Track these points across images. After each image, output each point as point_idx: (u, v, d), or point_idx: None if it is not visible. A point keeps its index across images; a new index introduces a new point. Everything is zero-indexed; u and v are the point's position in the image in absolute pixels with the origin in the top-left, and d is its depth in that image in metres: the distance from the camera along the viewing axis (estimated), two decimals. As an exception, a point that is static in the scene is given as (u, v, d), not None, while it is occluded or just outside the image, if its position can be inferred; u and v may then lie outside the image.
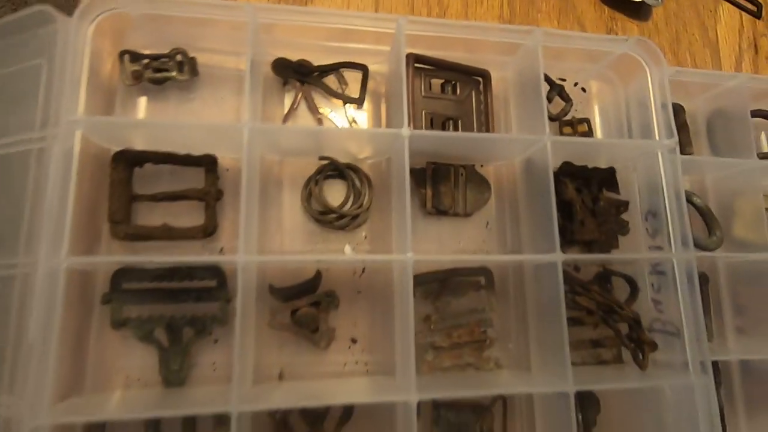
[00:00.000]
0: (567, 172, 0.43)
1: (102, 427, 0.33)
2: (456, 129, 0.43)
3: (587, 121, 0.47)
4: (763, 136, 0.56)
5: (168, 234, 0.37)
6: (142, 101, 0.40)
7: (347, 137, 0.38)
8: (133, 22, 0.37)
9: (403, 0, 0.50)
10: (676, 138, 0.40)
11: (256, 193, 0.38)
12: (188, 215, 0.38)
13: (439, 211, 0.42)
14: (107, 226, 0.36)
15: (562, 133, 0.46)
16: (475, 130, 0.43)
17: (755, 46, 0.66)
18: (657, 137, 0.41)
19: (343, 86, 0.44)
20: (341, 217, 0.40)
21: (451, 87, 0.44)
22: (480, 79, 0.45)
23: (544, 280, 0.38)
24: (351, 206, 0.41)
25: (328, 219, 0.40)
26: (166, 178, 0.39)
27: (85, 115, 0.33)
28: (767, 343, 0.45)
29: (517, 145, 0.41)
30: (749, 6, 0.66)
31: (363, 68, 0.44)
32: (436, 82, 0.44)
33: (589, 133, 0.47)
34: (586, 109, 0.48)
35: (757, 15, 0.66)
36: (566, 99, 0.47)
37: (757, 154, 0.45)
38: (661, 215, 0.41)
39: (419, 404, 0.31)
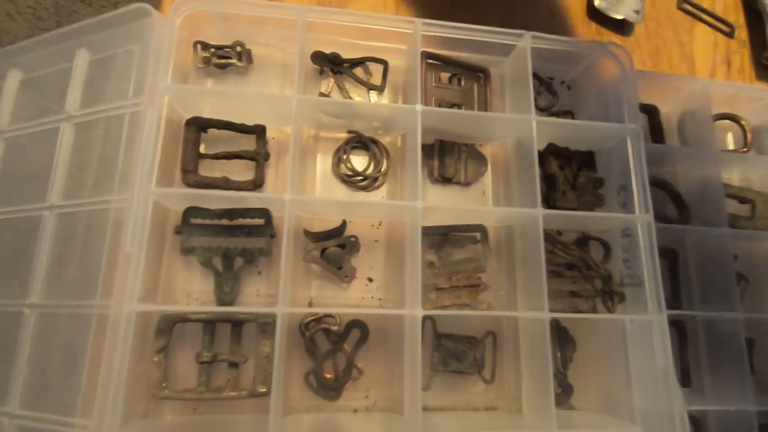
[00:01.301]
0: (551, 151, 0.52)
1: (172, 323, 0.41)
2: (460, 113, 0.52)
3: (571, 112, 0.56)
4: (729, 135, 0.64)
5: (226, 184, 0.46)
6: (209, 81, 0.50)
7: (372, 109, 0.47)
8: (206, 18, 0.47)
9: (418, 3, 0.60)
10: (640, 123, 0.49)
11: (299, 154, 0.48)
12: (241, 172, 0.47)
13: (444, 179, 0.51)
14: (179, 175, 0.45)
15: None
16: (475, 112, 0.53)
17: (728, 62, 0.75)
18: (626, 120, 0.50)
19: (368, 76, 0.53)
20: (364, 179, 0.49)
21: (457, 80, 0.53)
22: (481, 74, 0.54)
23: (528, 234, 0.46)
24: (372, 171, 0.49)
25: (353, 180, 0.49)
26: (224, 142, 0.48)
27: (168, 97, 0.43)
28: (725, 307, 0.52)
29: (510, 123, 0.50)
30: (723, 27, 0.75)
31: (384, 62, 0.53)
32: (445, 75, 0.53)
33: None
34: (571, 103, 0.57)
35: (730, 35, 0.75)
36: (554, 93, 0.56)
37: (721, 150, 0.54)
38: (629, 188, 0.49)
39: (423, 328, 0.39)
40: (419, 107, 0.44)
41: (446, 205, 0.51)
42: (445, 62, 0.53)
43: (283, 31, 0.49)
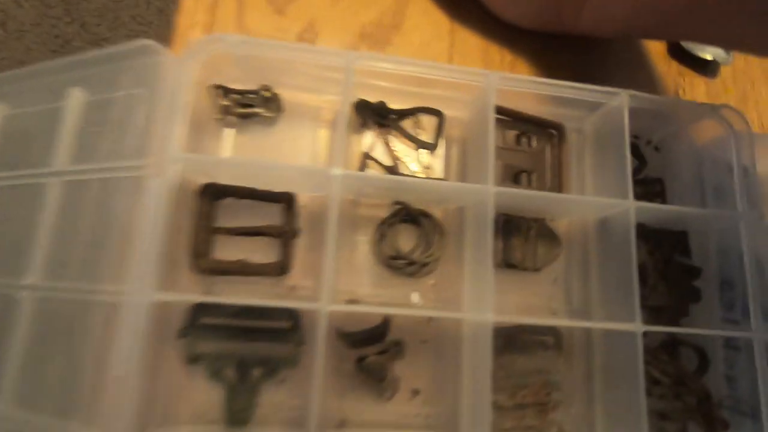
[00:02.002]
0: (640, 234, 0.43)
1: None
2: (529, 182, 0.43)
3: (660, 181, 0.46)
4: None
5: (244, 269, 0.37)
6: (229, 134, 0.41)
7: (430, 189, 0.38)
8: (229, 59, 0.38)
9: (476, 46, 0.51)
10: (761, 210, 0.39)
11: (335, 236, 0.39)
12: (264, 250, 0.39)
13: (508, 265, 0.41)
14: (186, 257, 0.36)
15: (634, 193, 0.45)
16: (547, 184, 0.43)
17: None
18: (738, 206, 0.40)
19: (419, 130, 0.44)
20: (411, 263, 0.40)
21: (527, 139, 0.44)
22: (554, 132, 0.45)
23: (617, 348, 0.37)
24: (421, 253, 0.40)
25: (397, 264, 0.40)
26: (245, 212, 0.39)
27: (185, 152, 0.34)
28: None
29: (596, 206, 0.40)
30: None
31: (438, 114, 0.44)
32: (511, 134, 0.44)
33: (662, 194, 0.46)
34: (659, 168, 0.47)
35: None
36: (640, 158, 0.47)
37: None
38: (737, 287, 0.40)
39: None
40: (493, 188, 0.35)
41: (508, 294, 0.42)
42: (514, 117, 0.43)
43: (319, 72, 0.40)
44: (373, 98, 0.43)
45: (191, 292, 0.37)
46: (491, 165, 0.35)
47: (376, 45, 0.48)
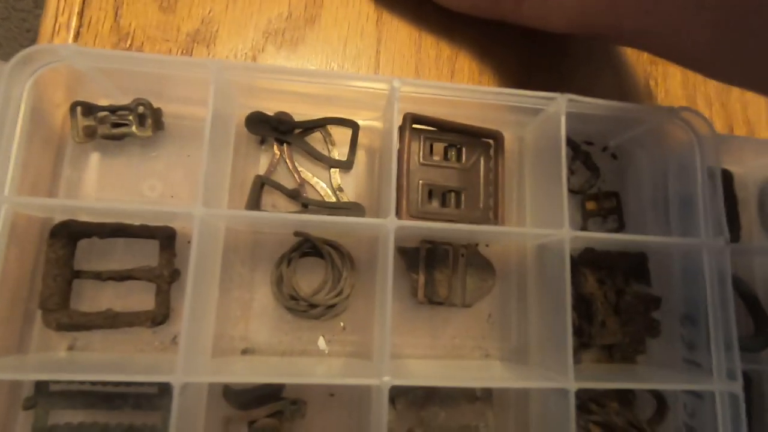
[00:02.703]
0: (588, 260, 0.37)
1: None
2: (458, 202, 0.37)
3: (616, 195, 0.40)
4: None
5: (112, 322, 0.31)
6: (95, 158, 0.35)
7: (326, 225, 0.32)
8: (100, 72, 0.32)
9: (407, 39, 0.44)
10: (727, 235, 0.33)
11: (216, 274, 0.33)
12: (140, 294, 0.33)
13: (433, 301, 0.36)
14: (32, 309, 0.31)
15: (585, 209, 0.39)
16: (481, 202, 0.37)
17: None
18: (701, 230, 0.34)
19: (330, 146, 0.38)
20: (313, 306, 0.34)
21: (456, 152, 0.38)
22: (490, 141, 0.38)
23: (552, 401, 0.31)
24: (329, 293, 0.35)
25: (299, 307, 0.34)
26: (118, 250, 0.34)
27: (15, 191, 0.28)
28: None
29: (529, 236, 0.34)
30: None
31: (353, 125, 0.38)
32: (439, 146, 0.38)
33: (618, 210, 0.40)
34: (616, 179, 0.41)
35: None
36: (592, 168, 0.40)
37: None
38: (700, 325, 0.34)
39: None
40: (393, 221, 0.29)
41: (435, 334, 0.36)
42: (439, 127, 0.37)
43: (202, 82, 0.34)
44: (273, 108, 0.37)
45: (49, 349, 0.31)
46: (392, 194, 0.29)
47: (286, 43, 0.41)
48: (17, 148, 0.29)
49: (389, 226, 0.29)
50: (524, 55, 0.45)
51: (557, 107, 0.33)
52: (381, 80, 0.32)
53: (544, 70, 0.46)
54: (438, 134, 0.37)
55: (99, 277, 0.32)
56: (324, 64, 0.41)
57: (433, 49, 0.44)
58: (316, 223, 0.31)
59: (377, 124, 0.38)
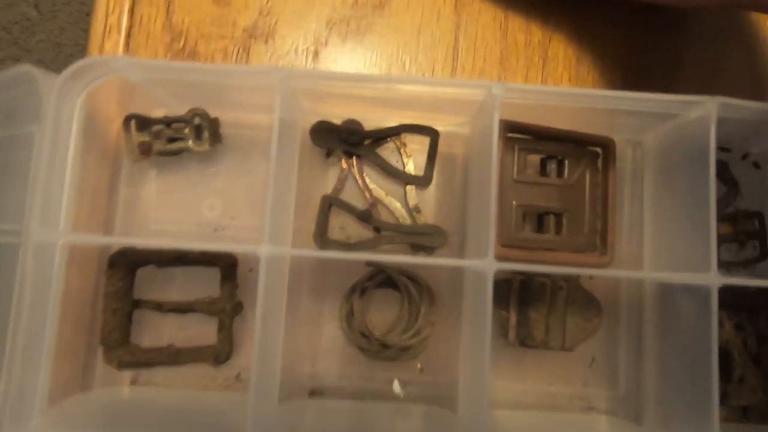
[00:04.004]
0: (725, 303, 0.30)
1: None
2: (558, 226, 0.31)
3: (759, 216, 0.32)
4: None
5: (174, 358, 0.29)
6: (152, 176, 0.32)
7: (400, 262, 0.27)
8: (148, 82, 0.29)
9: (491, 24, 0.37)
10: None
11: (282, 308, 0.30)
12: (203, 324, 0.30)
13: (525, 343, 0.30)
14: (92, 345, 0.29)
15: (718, 233, 0.32)
16: (585, 226, 0.31)
17: None
18: None
19: (405, 157, 0.33)
20: (386, 346, 0.30)
21: (556, 164, 0.31)
22: (598, 150, 0.32)
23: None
24: (405, 332, 0.30)
25: (371, 347, 0.30)
26: (178, 277, 0.31)
27: (70, 224, 0.26)
28: None
29: (658, 276, 0.28)
30: None
31: (432, 133, 0.32)
32: (534, 159, 0.31)
33: (761, 234, 0.32)
34: (758, 195, 0.33)
35: None
36: (729, 182, 0.32)
37: None
38: None
39: None
40: (491, 263, 0.24)
41: (527, 379, 0.31)
42: (536, 135, 0.31)
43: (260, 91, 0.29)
44: (341, 115, 0.32)
45: (112, 384, 0.30)
46: (492, 232, 0.24)
47: (352, 34, 0.36)
48: (71, 173, 0.27)
49: (487, 271, 0.24)
50: (632, 37, 0.37)
51: (704, 112, 0.26)
52: (477, 86, 0.26)
53: (655, 52, 0.37)
54: (534, 143, 0.31)
55: (160, 308, 0.30)
56: (395, 55, 0.36)
57: (522, 32, 0.37)
58: (394, 261, 0.26)
59: (458, 129, 0.33)
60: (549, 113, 0.30)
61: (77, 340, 0.29)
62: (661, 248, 0.30)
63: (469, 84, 0.27)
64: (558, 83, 0.37)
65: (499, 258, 0.24)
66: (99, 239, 0.26)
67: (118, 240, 0.28)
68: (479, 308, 0.25)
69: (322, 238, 0.29)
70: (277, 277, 0.28)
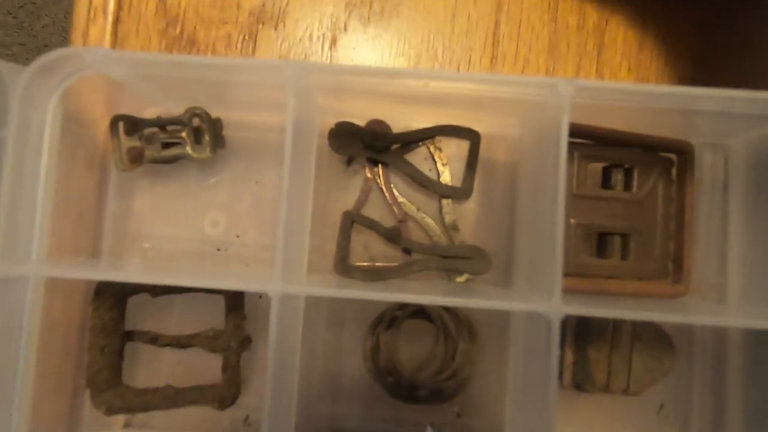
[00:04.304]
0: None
1: None
2: (625, 249, 0.26)
3: None
4: None
5: (172, 401, 0.25)
6: (145, 186, 0.28)
7: (446, 302, 0.22)
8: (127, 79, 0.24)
9: (538, 5, 0.31)
10: None
11: (297, 343, 0.25)
12: (205, 358, 0.26)
13: (581, 386, 0.26)
14: (75, 388, 0.25)
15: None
16: (656, 248, 0.26)
17: None
18: None
19: (441, 166, 0.28)
20: (416, 387, 0.25)
21: (623, 175, 0.26)
22: (672, 157, 0.26)
23: None
24: (440, 372, 0.26)
25: (400, 389, 0.26)
26: (176, 305, 0.27)
27: (45, 250, 0.21)
28: None
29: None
30: None
31: (472, 136, 0.27)
32: (595, 168, 0.26)
33: None
34: None
35: None
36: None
37: None
38: None
39: None
40: (558, 307, 0.19)
41: (585, 427, 0.27)
42: (600, 140, 0.26)
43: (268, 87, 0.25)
44: (359, 114, 0.27)
45: (103, 428, 0.26)
46: (558, 274, 0.19)
47: (375, 17, 0.31)
48: (45, 185, 0.22)
49: (554, 317, 0.19)
50: (703, 19, 0.31)
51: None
52: (539, 85, 0.21)
53: (730, 34, 0.32)
54: (596, 149, 0.26)
55: (155, 342, 0.26)
56: (425, 42, 0.31)
57: (573, 14, 0.32)
58: (432, 301, 0.22)
59: (504, 131, 0.28)
60: (608, 113, 0.25)
61: (63, 378, 0.25)
62: (751, 278, 0.25)
63: (529, 82, 0.21)
64: (616, 75, 0.32)
65: (565, 290, 0.19)
66: (78, 272, 0.22)
67: (99, 274, 0.23)
68: (540, 355, 0.20)
69: (343, 265, 0.25)
70: (290, 312, 0.23)
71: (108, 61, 0.21)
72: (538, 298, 0.20)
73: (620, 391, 0.26)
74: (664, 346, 0.26)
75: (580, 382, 0.26)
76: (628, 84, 0.21)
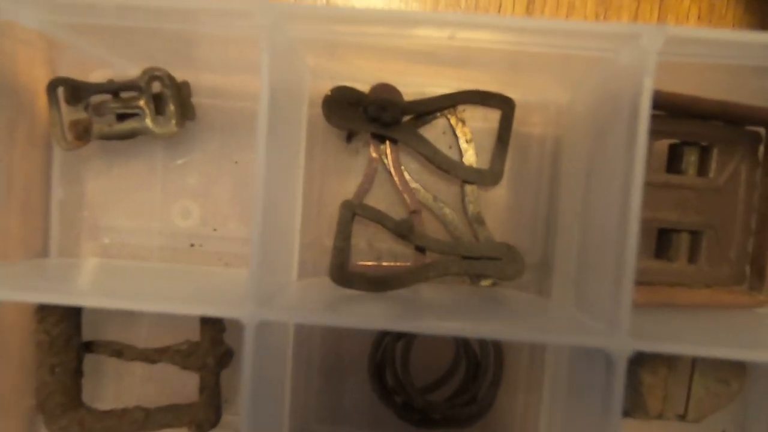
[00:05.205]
0: None
1: None
2: (693, 251, 0.21)
3: None
4: None
5: (141, 425, 0.21)
6: (97, 168, 0.22)
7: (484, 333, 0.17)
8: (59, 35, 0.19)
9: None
10: None
11: (287, 363, 0.21)
12: (181, 374, 0.22)
13: (630, 413, 0.22)
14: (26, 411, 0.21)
15: None
16: (733, 249, 0.21)
17: None
18: None
19: (464, 143, 0.22)
20: (429, 410, 0.21)
21: (697, 155, 0.21)
22: (761, 131, 0.21)
23: None
24: (458, 395, 0.22)
25: (411, 414, 0.22)
26: (145, 313, 0.23)
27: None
28: None
29: None
30: None
31: (505, 105, 0.21)
32: (660, 146, 0.21)
33: None
34: None
35: None
36: None
37: None
38: None
39: None
40: (626, 343, 0.14)
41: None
42: (672, 110, 0.20)
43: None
44: (365, 81, 0.21)
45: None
46: (628, 302, 0.14)
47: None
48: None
49: (617, 353, 0.14)
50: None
51: None
52: (613, 34, 0.15)
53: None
54: (665, 123, 0.20)
55: (120, 355, 0.22)
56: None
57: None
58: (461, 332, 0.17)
59: (545, 99, 0.22)
60: (678, 74, 0.19)
61: (13, 403, 0.21)
62: None
63: (602, 31, 0.15)
64: (683, 22, 0.25)
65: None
66: (16, 294, 0.17)
67: (40, 297, 0.18)
68: (594, 392, 0.16)
69: (341, 272, 0.20)
70: (270, 338, 0.19)
71: (12, 5, 0.15)
72: (591, 320, 0.15)
73: (677, 417, 0.22)
74: (731, 367, 0.22)
75: (630, 409, 0.21)
76: (743, 32, 0.15)
